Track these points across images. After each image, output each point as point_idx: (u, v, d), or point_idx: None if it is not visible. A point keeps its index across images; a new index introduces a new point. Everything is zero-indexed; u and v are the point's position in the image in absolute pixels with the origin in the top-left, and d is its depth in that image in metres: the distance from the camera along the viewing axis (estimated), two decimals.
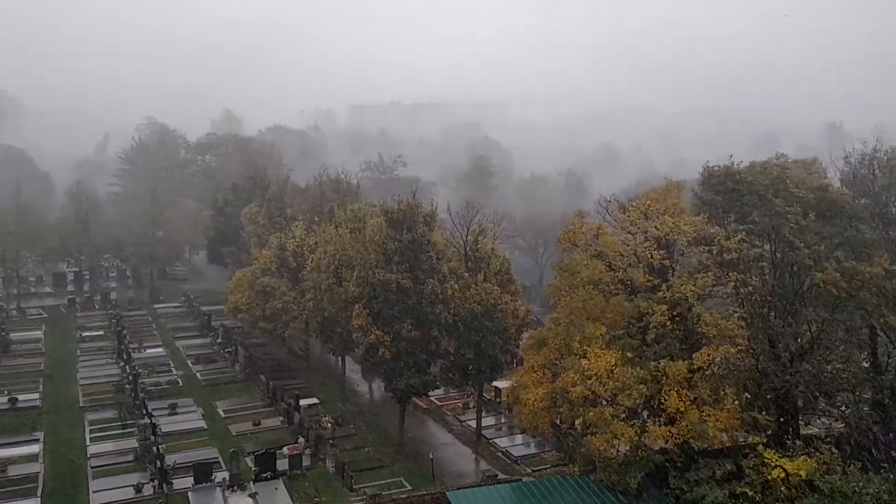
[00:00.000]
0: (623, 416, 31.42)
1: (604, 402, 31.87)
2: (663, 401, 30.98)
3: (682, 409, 30.29)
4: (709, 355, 31.25)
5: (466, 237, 46.40)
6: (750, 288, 31.80)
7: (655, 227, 33.81)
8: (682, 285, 32.03)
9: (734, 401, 30.57)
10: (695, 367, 31.10)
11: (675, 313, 32.40)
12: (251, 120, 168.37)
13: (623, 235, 35.33)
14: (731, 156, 41.94)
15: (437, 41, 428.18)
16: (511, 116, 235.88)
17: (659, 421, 31.44)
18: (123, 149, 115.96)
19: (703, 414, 30.26)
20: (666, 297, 32.35)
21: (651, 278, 33.67)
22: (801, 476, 27.28)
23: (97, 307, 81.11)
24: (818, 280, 30.08)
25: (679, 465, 31.01)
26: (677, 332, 32.50)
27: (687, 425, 30.22)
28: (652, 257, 33.44)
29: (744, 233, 34.71)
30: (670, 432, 30.52)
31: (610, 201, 38.89)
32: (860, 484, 26.70)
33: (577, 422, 33.02)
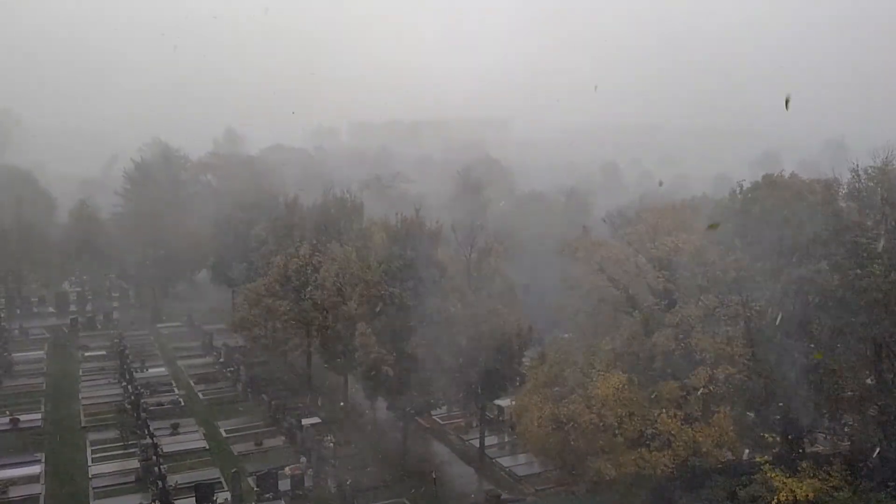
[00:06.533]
0: (635, 439, 31.11)
1: (614, 426, 31.57)
2: (656, 424, 30.78)
3: (673, 430, 30.09)
4: (707, 375, 31.04)
5: (470, 255, 46.39)
6: (756, 307, 31.61)
7: (664, 243, 33.35)
8: (686, 306, 31.87)
9: (725, 416, 30.36)
10: (689, 386, 30.85)
11: (679, 336, 32.24)
12: (254, 138, 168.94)
13: (632, 247, 34.74)
14: (740, 182, 40.63)
15: (436, 59, 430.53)
16: (511, 133, 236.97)
17: (653, 445, 31.15)
18: (126, 168, 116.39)
19: (696, 432, 30.07)
20: (672, 321, 32.14)
21: (658, 301, 33.39)
22: (809, 497, 27.03)
23: (99, 327, 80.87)
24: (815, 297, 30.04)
25: (684, 484, 30.80)
26: (683, 353, 32.26)
27: (681, 445, 30.02)
28: (656, 278, 33.11)
29: (748, 254, 34.25)
30: (664, 457, 30.25)
31: (615, 215, 38.67)
32: (868, 503, 26.49)
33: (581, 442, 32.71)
